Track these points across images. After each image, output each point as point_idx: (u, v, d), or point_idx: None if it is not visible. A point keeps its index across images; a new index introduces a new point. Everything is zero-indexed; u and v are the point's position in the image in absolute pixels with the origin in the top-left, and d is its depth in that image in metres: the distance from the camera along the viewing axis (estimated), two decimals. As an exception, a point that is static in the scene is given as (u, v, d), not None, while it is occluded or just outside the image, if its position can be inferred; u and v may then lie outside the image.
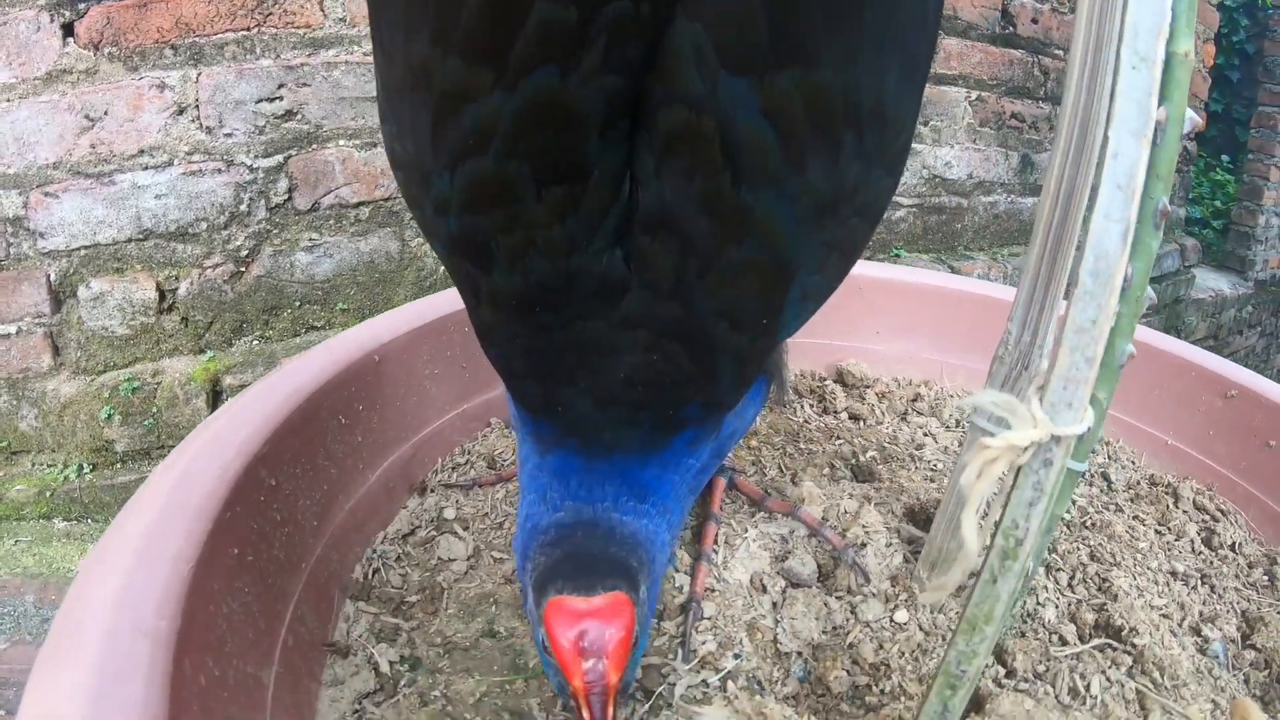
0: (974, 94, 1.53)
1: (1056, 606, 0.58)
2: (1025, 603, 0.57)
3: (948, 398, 0.95)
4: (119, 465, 1.10)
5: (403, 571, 0.62)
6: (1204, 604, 0.63)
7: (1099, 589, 0.60)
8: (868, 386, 0.95)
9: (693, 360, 0.41)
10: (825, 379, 0.96)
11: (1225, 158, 2.91)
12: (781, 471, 0.74)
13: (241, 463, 0.47)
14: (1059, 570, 0.62)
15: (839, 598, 0.56)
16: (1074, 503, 0.74)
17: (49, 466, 1.12)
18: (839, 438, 0.84)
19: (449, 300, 0.75)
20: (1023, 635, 0.55)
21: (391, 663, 0.54)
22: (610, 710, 0.39)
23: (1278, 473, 0.75)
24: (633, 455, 0.46)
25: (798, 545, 0.61)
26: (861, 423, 0.89)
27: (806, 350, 0.98)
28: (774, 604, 0.57)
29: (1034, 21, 1.57)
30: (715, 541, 0.61)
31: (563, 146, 0.35)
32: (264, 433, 0.51)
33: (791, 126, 0.34)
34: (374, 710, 0.51)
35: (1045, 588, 0.60)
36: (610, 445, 0.45)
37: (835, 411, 0.90)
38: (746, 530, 0.62)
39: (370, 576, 0.61)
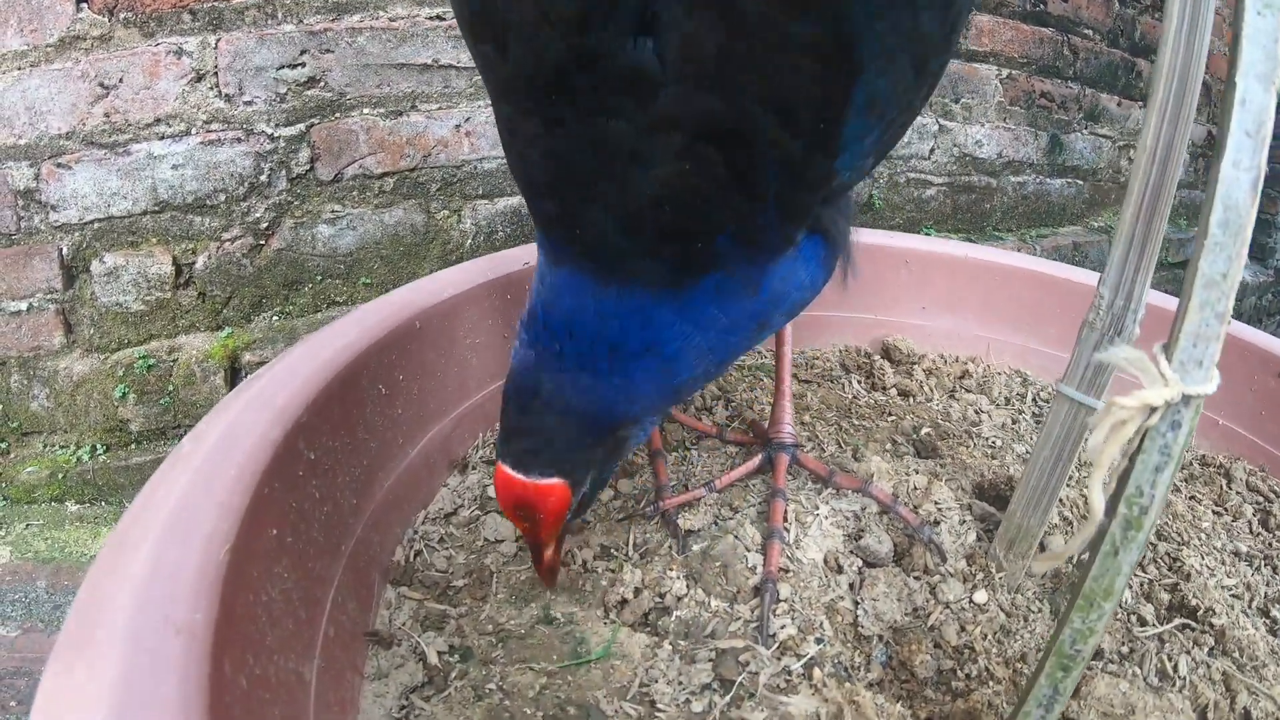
0: (1005, 72, 1.47)
1: (1131, 587, 0.52)
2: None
3: (996, 375, 0.89)
4: (133, 446, 1.04)
5: (447, 553, 0.56)
6: (1268, 585, 0.58)
7: (1170, 568, 0.55)
8: (915, 363, 0.90)
9: (730, 167, 0.35)
10: (872, 354, 0.91)
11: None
12: (840, 447, 0.68)
13: (280, 431, 0.41)
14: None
15: (917, 577, 0.50)
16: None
17: (61, 447, 1.06)
18: (891, 414, 0.78)
19: (491, 265, 0.68)
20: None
21: (440, 653, 0.48)
22: (544, 554, 0.46)
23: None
24: (648, 290, 0.40)
25: (871, 522, 0.56)
26: (911, 399, 0.83)
27: (852, 325, 0.92)
28: (851, 584, 0.51)
29: (1064, 0, 1.50)
30: (785, 518, 0.55)
31: None
32: (304, 399, 0.45)
33: None
34: (423, 705, 0.45)
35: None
36: (626, 274, 0.39)
37: (884, 388, 0.84)
38: (817, 507, 0.56)
39: (412, 559, 0.55)
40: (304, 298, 1.08)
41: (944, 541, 0.53)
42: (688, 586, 0.51)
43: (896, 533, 0.55)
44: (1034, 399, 0.86)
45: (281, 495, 0.40)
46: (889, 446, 0.67)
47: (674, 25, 0.32)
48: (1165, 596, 0.53)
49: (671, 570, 0.52)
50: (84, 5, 0.97)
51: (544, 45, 0.34)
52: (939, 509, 0.55)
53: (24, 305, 1.03)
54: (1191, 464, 0.78)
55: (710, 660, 0.44)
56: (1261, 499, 0.72)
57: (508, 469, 0.42)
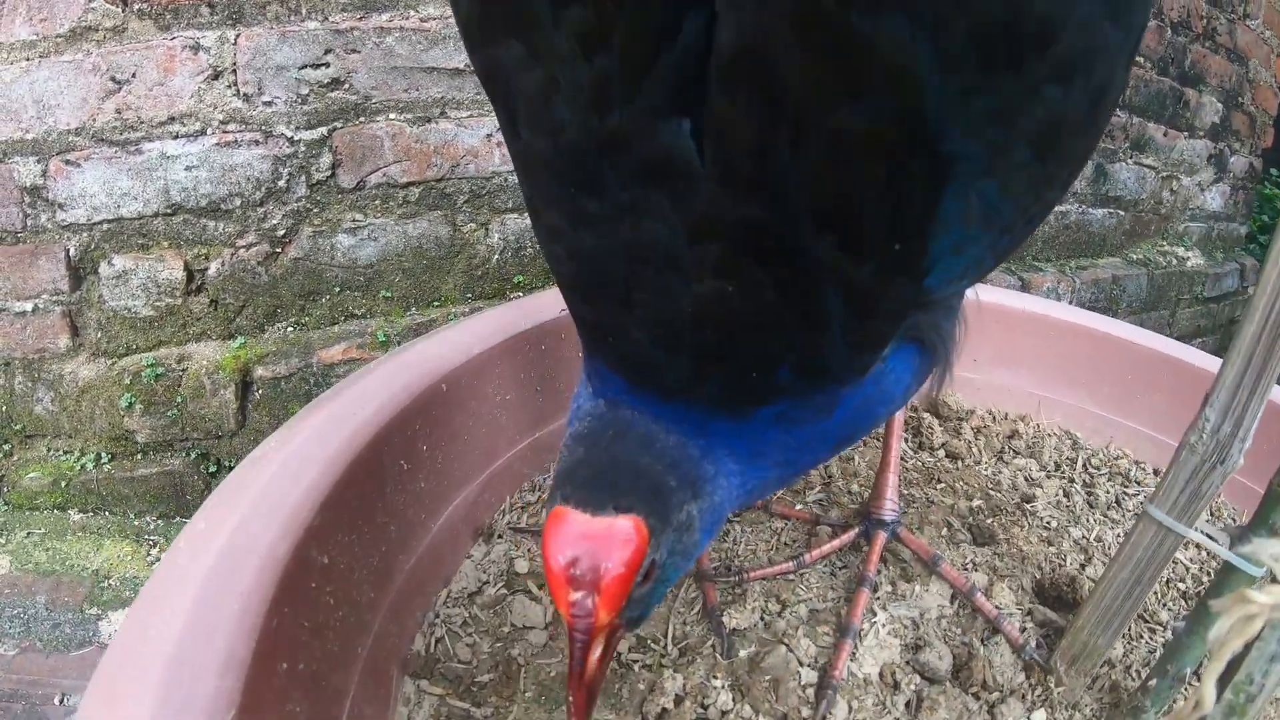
0: (1054, 96, 1.38)
1: None
2: None
3: (1046, 436, 0.83)
4: (139, 457, 0.99)
5: (470, 641, 0.51)
6: None
7: None
8: (963, 419, 0.83)
9: (782, 295, 0.28)
10: (919, 409, 0.84)
11: (1275, 171, 2.75)
12: (904, 528, 0.62)
13: (290, 542, 0.36)
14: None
15: (975, 694, 0.45)
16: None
17: (65, 453, 1.01)
18: (940, 481, 0.72)
19: (523, 313, 0.62)
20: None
21: (461, 764, 0.43)
22: (592, 653, 0.31)
23: None
24: (695, 409, 0.33)
25: (930, 632, 0.50)
26: (959, 463, 0.77)
27: (895, 376, 0.87)
28: (908, 704, 0.46)
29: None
30: (864, 612, 0.49)
31: None
32: (316, 496, 0.39)
33: None
34: (444, 831, 0.40)
35: None
36: (669, 392, 0.33)
37: (932, 448, 0.78)
38: (874, 614, 0.51)
39: (434, 648, 0.50)
40: (321, 309, 1.03)
41: (1004, 652, 0.48)
42: (734, 700, 0.46)
43: (955, 643, 0.49)
44: (1084, 465, 0.80)
45: (292, 620, 0.35)
46: (945, 531, 0.61)
47: (714, 104, 0.25)
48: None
49: (716, 678, 0.47)
50: (98, -7, 0.90)
51: (558, 122, 0.27)
52: (1000, 613, 0.50)
53: (29, 306, 0.98)
54: None
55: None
56: None
57: (571, 507, 0.31)
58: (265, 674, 0.31)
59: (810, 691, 0.45)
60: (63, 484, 0.99)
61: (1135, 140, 1.56)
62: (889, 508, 0.54)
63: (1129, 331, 0.84)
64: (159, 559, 0.97)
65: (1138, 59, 1.49)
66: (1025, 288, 1.38)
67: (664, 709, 0.45)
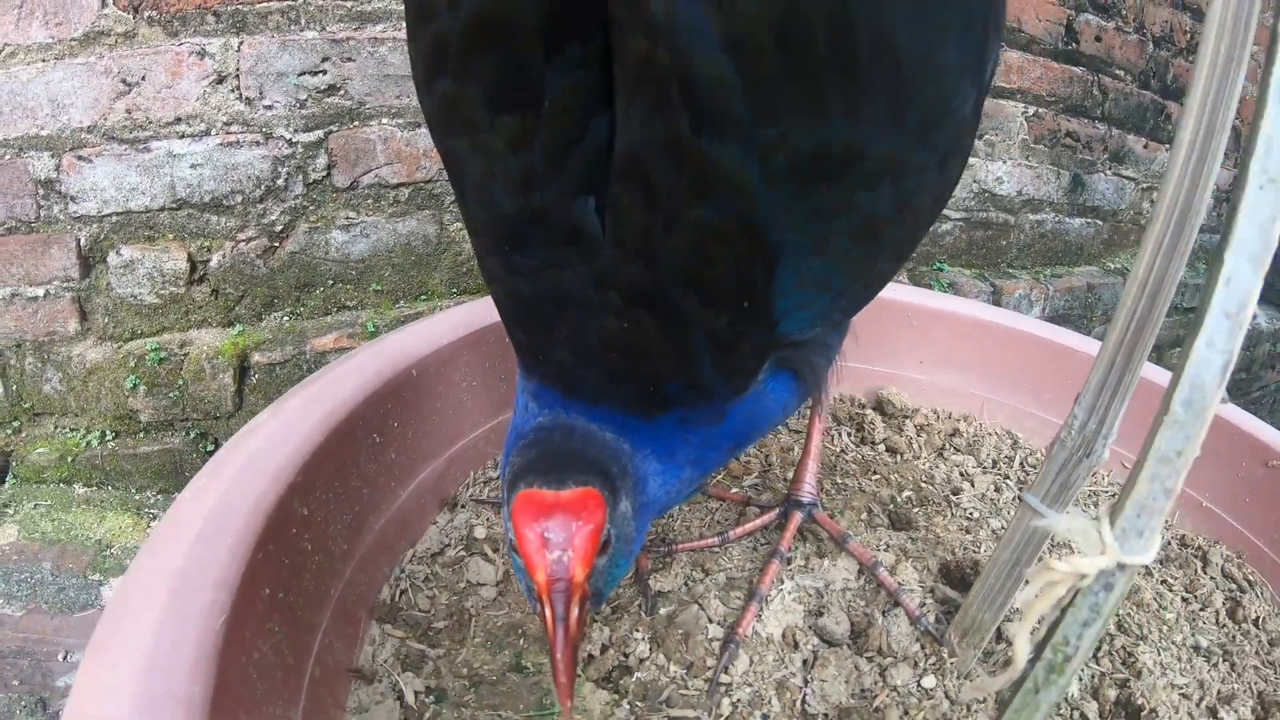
0: (1031, 109, 1.46)
1: (1081, 679, 0.55)
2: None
3: (987, 435, 0.92)
4: (142, 435, 1.09)
5: (430, 594, 0.60)
6: (1223, 682, 0.60)
7: (1124, 663, 0.58)
8: (907, 417, 0.92)
9: (662, 333, 0.37)
10: (865, 406, 0.93)
11: (1273, 184, 2.84)
12: (822, 508, 0.71)
13: (275, 495, 0.45)
14: (1104, 645, 0.59)
15: (869, 658, 0.53)
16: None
17: (71, 431, 1.10)
18: (875, 473, 0.81)
19: (490, 309, 0.71)
20: None
21: (417, 693, 0.52)
22: (572, 609, 0.36)
23: (1317, 549, 0.72)
24: (617, 410, 0.42)
25: (833, 600, 0.59)
26: (899, 457, 0.85)
27: (850, 373, 0.95)
28: (805, 662, 0.54)
29: (1097, 39, 1.49)
30: (773, 581, 0.58)
31: (508, 65, 0.33)
32: (298, 459, 0.48)
33: (757, 62, 0.28)
34: (399, 745, 0.49)
35: (1090, 666, 0.57)
36: (593, 397, 0.42)
37: (873, 443, 0.87)
38: (782, 581, 0.59)
39: (398, 598, 0.59)
40: (315, 300, 1.12)
41: (901, 624, 0.56)
42: (650, 650, 0.54)
43: (856, 613, 0.58)
44: (1021, 464, 0.88)
45: (275, 556, 0.44)
46: (865, 515, 0.70)
47: (611, 191, 0.34)
48: (1113, 693, 0.55)
49: (638, 631, 0.55)
50: (109, 1, 0.99)
51: (495, 200, 0.37)
52: (901, 588, 0.58)
53: (41, 291, 1.07)
54: (1170, 544, 0.79)
55: (664, 731, 0.48)
56: (1234, 587, 0.74)
57: (540, 488, 0.38)
58: (250, 595, 0.40)
59: (716, 645, 0.54)
60: (69, 459, 1.09)
61: (1114, 152, 1.63)
62: (807, 491, 0.63)
63: (1069, 338, 0.92)
64: (158, 531, 1.07)
65: (1117, 73, 1.56)
66: (997, 294, 1.46)
67: (590, 655, 0.54)
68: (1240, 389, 2.26)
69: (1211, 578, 0.75)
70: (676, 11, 0.28)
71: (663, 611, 0.57)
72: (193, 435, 1.09)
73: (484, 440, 0.71)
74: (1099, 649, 0.60)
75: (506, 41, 0.32)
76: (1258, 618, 0.70)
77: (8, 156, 1.03)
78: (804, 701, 0.50)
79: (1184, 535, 0.80)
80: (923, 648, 0.56)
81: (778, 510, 0.63)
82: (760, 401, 0.45)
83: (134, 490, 1.10)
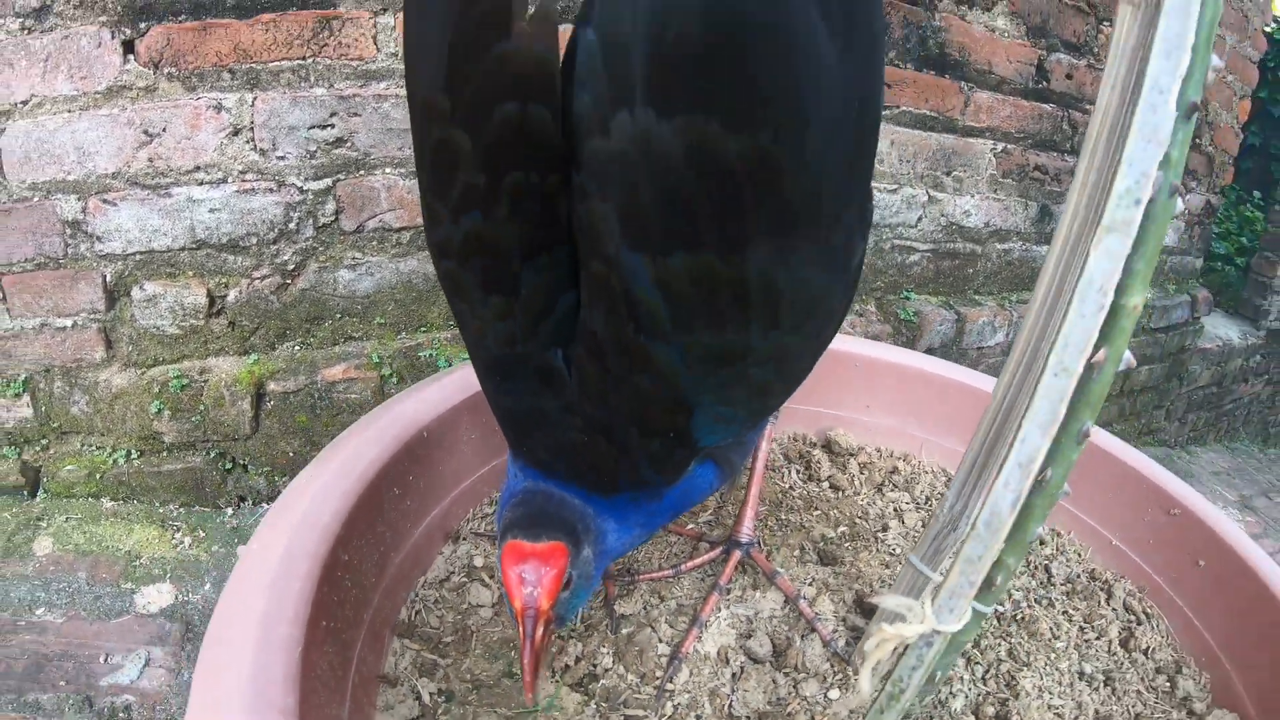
0: (1000, 146, 1.63)
1: (966, 697, 0.74)
2: (941, 691, 0.73)
3: (923, 473, 1.10)
4: (165, 454, 1.26)
5: (439, 613, 0.78)
6: (1102, 704, 0.78)
7: (1007, 685, 0.76)
8: (852, 455, 1.10)
9: (613, 449, 0.55)
10: (815, 445, 1.11)
11: (1257, 193, 2.98)
12: (759, 547, 0.89)
13: (326, 547, 0.63)
14: (977, 664, 0.78)
15: (786, 674, 0.72)
16: (1010, 595, 0.90)
17: (98, 449, 1.28)
18: (817, 508, 0.99)
19: (487, 372, 0.89)
20: (932, 722, 0.71)
21: (431, 694, 0.71)
22: (538, 629, 0.55)
23: (1202, 590, 0.90)
24: (583, 489, 0.61)
25: (760, 626, 0.77)
26: (840, 493, 1.04)
27: (800, 416, 1.13)
28: (733, 675, 0.73)
29: (1068, 77, 1.65)
30: (713, 609, 0.77)
31: (494, 267, 0.50)
32: (341, 516, 0.66)
33: (678, 296, 0.45)
34: (417, 735, 0.67)
35: (962, 678, 0.75)
36: (564, 480, 0.60)
37: (819, 480, 1.05)
38: (720, 611, 0.78)
39: (413, 617, 0.77)
40: (324, 332, 1.29)
41: (815, 647, 0.75)
42: (613, 662, 0.73)
43: (779, 636, 0.76)
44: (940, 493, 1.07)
45: (328, 596, 0.62)
46: (798, 552, 0.88)
47: (576, 350, 0.52)
48: (991, 710, 0.74)
49: (604, 646, 0.74)
50: (131, 57, 1.15)
51: (487, 347, 0.54)
52: (817, 617, 0.77)
53: (69, 322, 1.24)
54: (1080, 576, 0.97)
55: (620, 726, 0.67)
56: (1133, 619, 0.91)
57: (520, 540, 0.55)
58: (314, 628, 0.58)
59: (664, 660, 0.72)
60: (97, 476, 1.27)
61: (1085, 181, 1.80)
62: (745, 532, 0.81)
63: (987, 383, 1.10)
64: (182, 541, 1.25)
65: (1087, 107, 1.72)
66: (961, 321, 1.64)
67: (566, 665, 0.73)
68: (1212, 402, 2.45)
69: (1113, 609, 0.92)
70: (622, 258, 0.45)
71: (624, 631, 0.75)
72: (213, 455, 1.27)
73: (481, 481, 0.89)
74: (984, 672, 0.79)
75: (491, 252, 0.49)
76: (1148, 648, 0.88)
77: (36, 199, 1.19)
78: (730, 707, 0.69)
79: (1094, 569, 0.99)
80: (832, 666, 0.74)
81: (721, 548, 0.82)
82: (691, 482, 0.63)
83: (158, 504, 1.28)
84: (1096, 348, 0.53)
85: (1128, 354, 0.54)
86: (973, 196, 1.64)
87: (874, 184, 1.55)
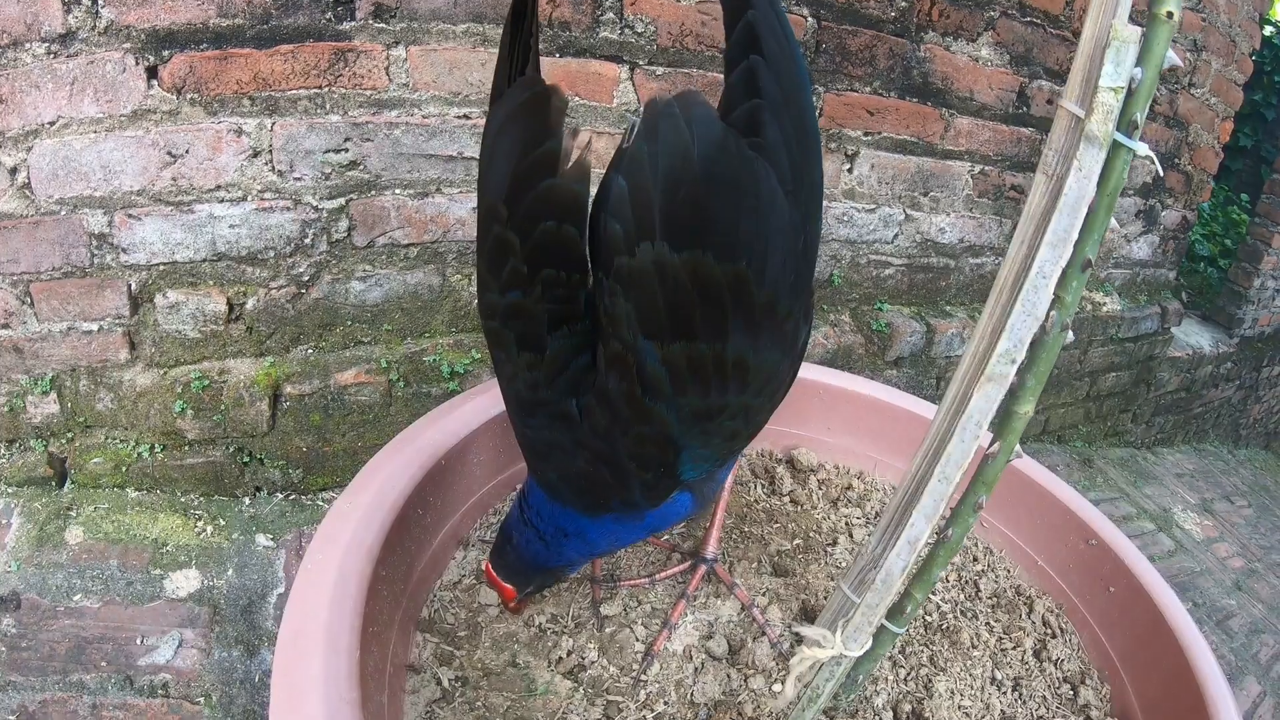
0: (978, 168, 1.80)
1: (887, 695, 0.96)
2: (868, 689, 0.96)
3: (875, 490, 1.31)
4: (188, 449, 1.45)
5: (454, 612, 0.99)
6: (1008, 706, 1.01)
7: (924, 686, 0.99)
8: (812, 472, 1.31)
9: (614, 478, 0.77)
10: (780, 460, 1.32)
11: (1245, 196, 3.15)
12: (722, 561, 1.11)
13: (370, 567, 0.83)
14: (900, 666, 1.00)
15: (739, 669, 0.94)
16: (938, 607, 1.12)
17: (122, 443, 1.46)
18: (777, 521, 1.20)
19: (494, 401, 1.08)
20: (854, 714, 0.93)
21: (449, 680, 0.92)
22: (509, 605, 0.93)
23: (1109, 611, 1.12)
24: (573, 510, 0.84)
25: (719, 630, 0.99)
26: (799, 507, 1.25)
27: (768, 434, 1.33)
28: (695, 669, 0.95)
29: (1049, 102, 1.81)
30: (681, 614, 0.98)
31: (527, 331, 0.71)
32: (380, 539, 0.86)
33: (677, 370, 0.66)
34: (440, 711, 0.89)
35: (886, 678, 0.98)
36: (564, 502, 0.84)
37: (780, 494, 1.26)
38: (688, 615, 0.99)
39: (433, 615, 0.98)
40: (336, 337, 1.47)
41: (765, 649, 0.97)
42: (598, 655, 0.94)
43: (735, 638, 0.98)
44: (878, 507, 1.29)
45: (373, 606, 0.82)
46: (755, 564, 1.09)
47: (589, 400, 0.72)
48: (907, 707, 0.96)
49: (591, 643, 0.95)
50: (155, 83, 1.29)
51: (517, 389, 0.75)
52: (767, 622, 0.99)
53: (95, 326, 1.41)
54: (1006, 590, 1.19)
55: (603, 705, 0.88)
56: (1048, 633, 1.13)
57: (491, 565, 0.88)
58: (365, 633, 0.79)
59: (640, 655, 0.94)
60: (123, 468, 1.45)
61: (1061, 198, 1.98)
62: (710, 550, 1.02)
63: (927, 410, 1.31)
64: (204, 529, 1.44)
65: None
66: (930, 332, 1.84)
67: (559, 657, 0.94)
68: (1181, 406, 2.68)
69: (1032, 622, 1.14)
70: (639, 344, 0.64)
71: (608, 630, 0.97)
72: (231, 449, 1.46)
73: (489, 494, 1.09)
74: (905, 674, 1.01)
75: (526, 319, 0.69)
76: (1058, 659, 1.10)
77: (64, 213, 1.34)
78: (691, 695, 0.91)
79: (1019, 586, 1.21)
80: (777, 665, 0.96)
81: (690, 562, 1.03)
82: (670, 507, 0.84)
83: (180, 494, 1.47)
84: (991, 443, 0.73)
85: (1018, 447, 0.74)
86: (949, 215, 1.82)
87: (852, 204, 1.73)
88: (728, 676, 0.93)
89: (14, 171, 1.31)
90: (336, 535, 0.85)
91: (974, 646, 1.06)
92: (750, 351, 0.66)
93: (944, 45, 1.64)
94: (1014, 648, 1.09)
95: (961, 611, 1.12)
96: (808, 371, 1.32)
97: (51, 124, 1.29)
